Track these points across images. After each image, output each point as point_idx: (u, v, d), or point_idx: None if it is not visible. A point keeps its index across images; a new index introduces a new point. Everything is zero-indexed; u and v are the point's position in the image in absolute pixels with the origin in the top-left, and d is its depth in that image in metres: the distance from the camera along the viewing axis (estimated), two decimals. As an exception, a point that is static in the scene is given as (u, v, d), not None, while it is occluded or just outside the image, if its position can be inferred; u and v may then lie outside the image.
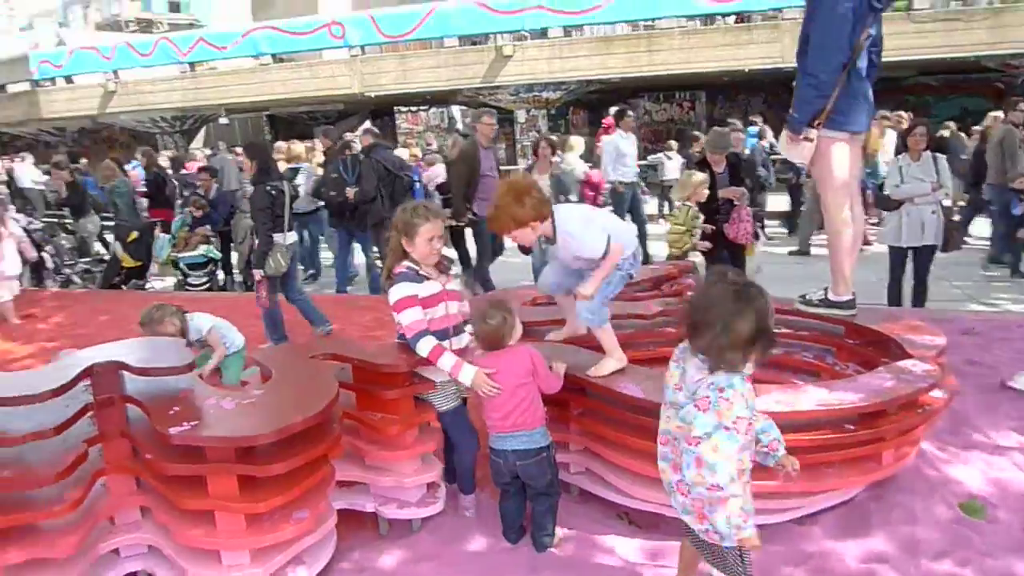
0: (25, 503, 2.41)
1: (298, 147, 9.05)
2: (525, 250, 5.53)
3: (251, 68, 18.54)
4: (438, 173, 9.34)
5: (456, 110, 20.30)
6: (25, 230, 8.04)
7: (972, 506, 2.85)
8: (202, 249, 7.96)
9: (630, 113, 9.59)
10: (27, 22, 34.85)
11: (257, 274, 5.22)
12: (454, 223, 6.02)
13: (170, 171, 10.85)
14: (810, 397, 2.71)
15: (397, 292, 2.80)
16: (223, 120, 19.65)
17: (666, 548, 2.73)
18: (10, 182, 12.79)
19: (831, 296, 3.61)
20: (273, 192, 5.21)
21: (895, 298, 6.14)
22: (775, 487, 2.57)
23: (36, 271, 8.79)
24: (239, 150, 11.66)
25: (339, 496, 2.99)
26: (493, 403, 2.71)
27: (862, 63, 3.34)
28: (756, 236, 6.21)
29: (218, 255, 8.22)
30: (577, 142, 8.59)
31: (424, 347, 2.76)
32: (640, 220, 8.45)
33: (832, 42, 3.21)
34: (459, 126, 21.47)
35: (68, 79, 19.49)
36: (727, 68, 15.33)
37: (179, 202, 9.41)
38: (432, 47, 17.74)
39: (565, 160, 7.87)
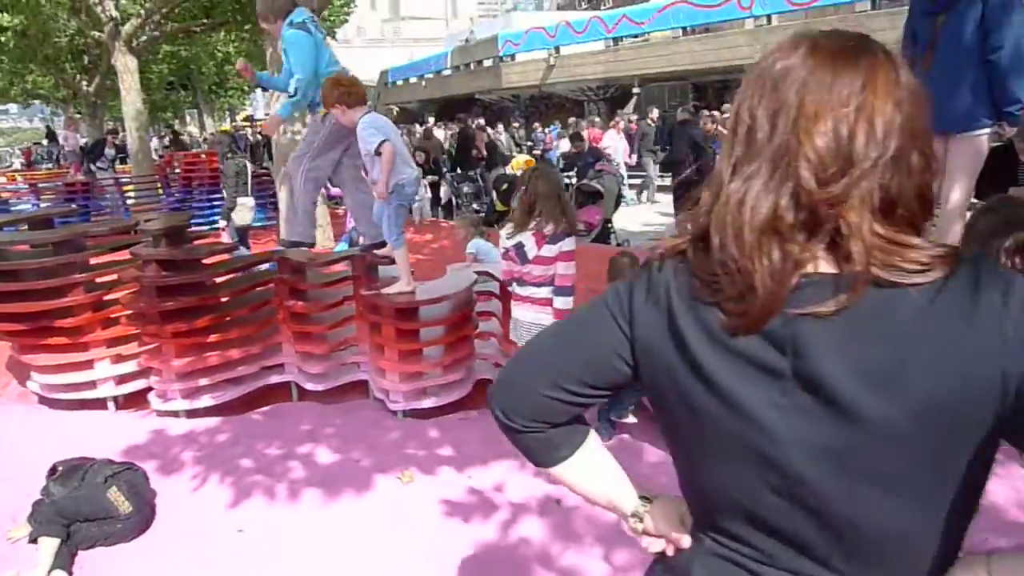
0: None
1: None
2: None
3: (663, 41, 20.15)
4: None
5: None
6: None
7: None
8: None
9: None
10: (513, 5, 42.48)
11: None
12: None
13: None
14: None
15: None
16: (635, 89, 21.69)
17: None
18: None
19: None
20: None
21: None
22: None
23: (448, 208, 11.98)
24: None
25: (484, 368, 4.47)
26: None
27: None
28: None
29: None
30: None
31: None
32: None
33: None
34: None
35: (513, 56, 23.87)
36: None
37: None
38: (840, 13, 16.90)
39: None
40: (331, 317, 4.44)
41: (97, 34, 15.60)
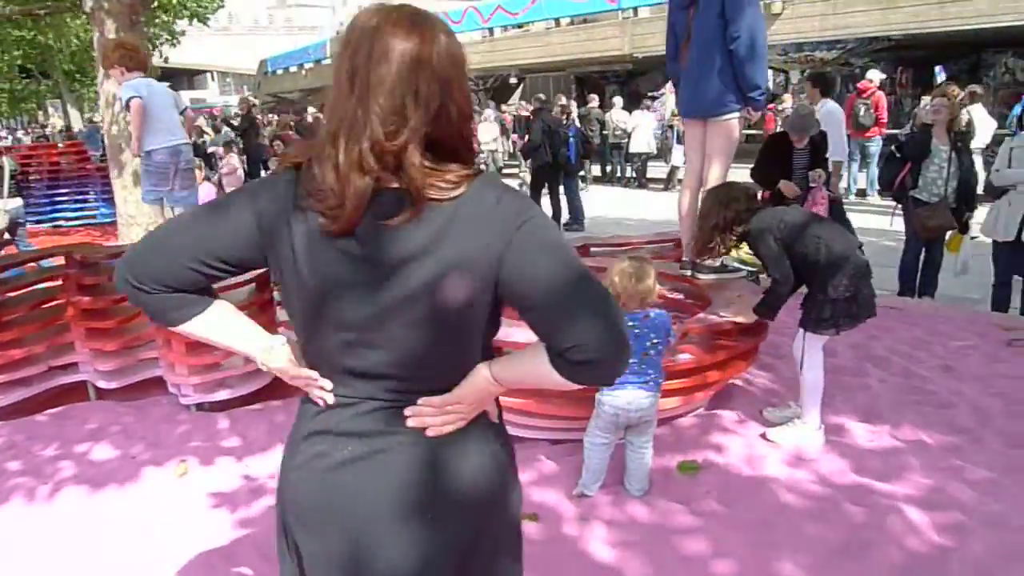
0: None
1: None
2: None
3: (538, 32, 20.44)
4: None
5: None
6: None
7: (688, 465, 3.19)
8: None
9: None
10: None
11: None
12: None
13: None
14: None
15: None
16: (511, 80, 21.91)
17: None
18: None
19: None
20: None
21: (1002, 300, 5.45)
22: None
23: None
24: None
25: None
26: None
27: None
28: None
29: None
30: None
31: None
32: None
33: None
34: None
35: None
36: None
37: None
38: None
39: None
40: (124, 311, 4.31)
41: (-78, 17, 14.30)
